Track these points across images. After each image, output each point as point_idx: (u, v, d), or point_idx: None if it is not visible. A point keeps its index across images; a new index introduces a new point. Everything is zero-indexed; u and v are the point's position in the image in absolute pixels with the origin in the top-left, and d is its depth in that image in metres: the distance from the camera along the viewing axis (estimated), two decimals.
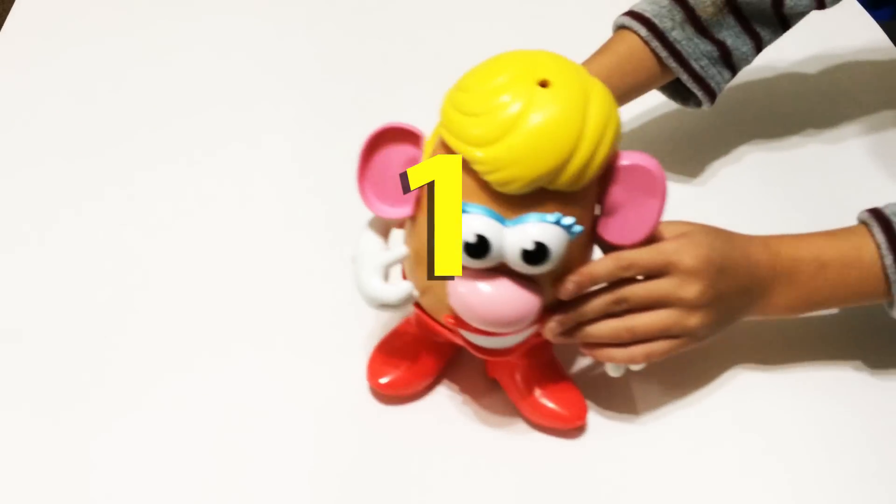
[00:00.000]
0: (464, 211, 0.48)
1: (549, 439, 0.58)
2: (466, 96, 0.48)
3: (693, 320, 0.53)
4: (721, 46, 0.69)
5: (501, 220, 0.48)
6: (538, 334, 0.55)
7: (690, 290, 0.53)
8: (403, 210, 0.53)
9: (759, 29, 0.71)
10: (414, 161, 0.52)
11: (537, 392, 0.58)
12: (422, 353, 0.59)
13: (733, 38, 0.70)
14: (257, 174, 0.77)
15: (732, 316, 0.56)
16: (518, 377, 0.59)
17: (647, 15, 0.69)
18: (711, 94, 0.71)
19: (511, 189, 0.47)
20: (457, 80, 0.50)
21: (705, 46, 0.69)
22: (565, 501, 0.55)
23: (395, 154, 0.52)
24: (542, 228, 0.48)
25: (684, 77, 0.70)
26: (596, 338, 0.54)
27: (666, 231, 0.54)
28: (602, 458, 0.57)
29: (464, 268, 0.49)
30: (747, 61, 0.72)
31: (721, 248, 0.54)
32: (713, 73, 0.70)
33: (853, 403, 0.61)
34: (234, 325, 0.64)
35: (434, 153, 0.51)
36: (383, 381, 0.59)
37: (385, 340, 0.61)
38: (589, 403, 0.59)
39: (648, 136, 0.81)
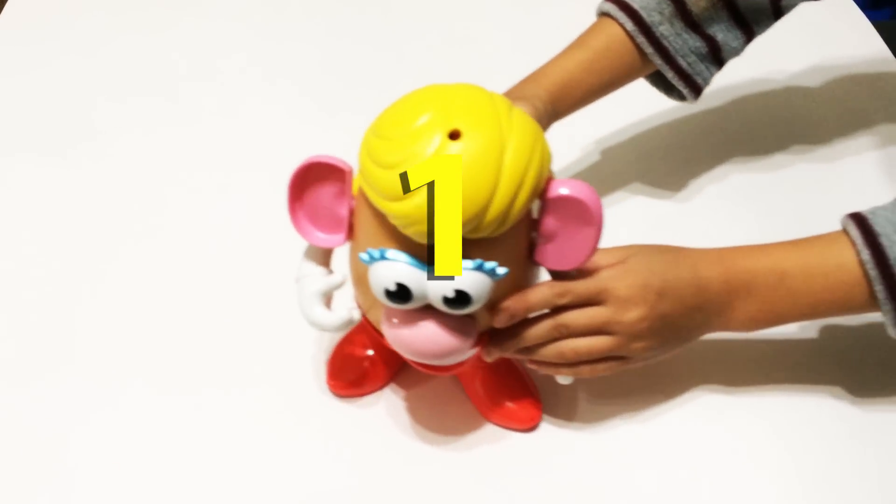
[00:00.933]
0: (385, 258, 0.48)
1: (503, 433, 0.59)
2: (380, 144, 0.46)
3: (636, 345, 0.53)
4: (711, 42, 0.64)
5: (423, 267, 0.47)
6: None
7: (628, 316, 0.52)
8: (337, 238, 0.52)
9: (751, 21, 0.65)
10: (342, 193, 0.51)
11: (494, 392, 0.59)
12: (380, 352, 0.60)
13: (724, 32, 0.65)
14: (225, 176, 0.77)
15: (684, 336, 0.55)
16: (476, 378, 0.60)
17: (635, 6, 0.63)
18: (697, 90, 0.67)
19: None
20: (375, 119, 0.48)
21: (694, 42, 0.64)
22: (518, 494, 0.57)
23: (324, 186, 0.51)
24: (464, 276, 0.47)
25: (670, 74, 0.65)
26: (541, 358, 0.54)
27: (605, 257, 0.52)
28: (553, 453, 0.58)
29: None
30: (736, 54, 0.67)
31: (661, 271, 0.52)
32: (700, 69, 0.65)
33: (805, 421, 0.60)
34: (189, 328, 0.65)
35: (359, 193, 0.50)
36: (342, 381, 0.61)
37: (344, 341, 0.62)
38: (543, 401, 0.60)
39: (632, 146, 0.78)
